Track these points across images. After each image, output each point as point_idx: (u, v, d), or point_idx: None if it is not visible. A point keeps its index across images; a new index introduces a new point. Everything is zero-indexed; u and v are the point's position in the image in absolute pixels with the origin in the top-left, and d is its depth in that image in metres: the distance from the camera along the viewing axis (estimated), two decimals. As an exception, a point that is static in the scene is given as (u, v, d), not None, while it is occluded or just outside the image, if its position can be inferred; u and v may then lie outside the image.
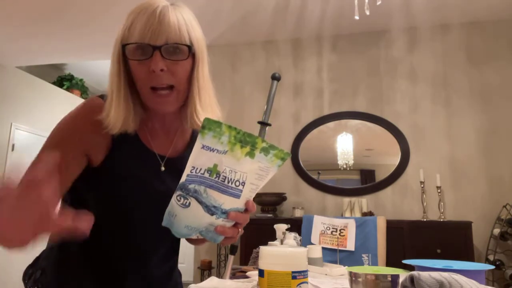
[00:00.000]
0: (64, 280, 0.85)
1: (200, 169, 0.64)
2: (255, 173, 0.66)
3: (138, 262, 0.88)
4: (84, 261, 0.84)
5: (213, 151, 0.63)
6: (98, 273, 0.85)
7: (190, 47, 0.78)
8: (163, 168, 0.87)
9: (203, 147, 0.64)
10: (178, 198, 0.65)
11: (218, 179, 0.64)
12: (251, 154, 0.65)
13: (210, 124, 0.63)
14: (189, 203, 0.65)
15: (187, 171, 0.64)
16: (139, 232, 0.86)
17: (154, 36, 0.75)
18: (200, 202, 0.64)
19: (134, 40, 0.76)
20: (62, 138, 0.80)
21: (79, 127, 0.80)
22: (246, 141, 0.64)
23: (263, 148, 0.66)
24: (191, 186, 0.64)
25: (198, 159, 0.64)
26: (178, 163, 0.87)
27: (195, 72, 0.81)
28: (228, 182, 0.64)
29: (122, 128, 0.79)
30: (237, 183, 0.65)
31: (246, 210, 0.69)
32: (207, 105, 0.85)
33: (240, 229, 0.71)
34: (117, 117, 0.78)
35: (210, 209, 0.65)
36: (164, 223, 0.68)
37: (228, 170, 0.64)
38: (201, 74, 0.83)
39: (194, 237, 0.70)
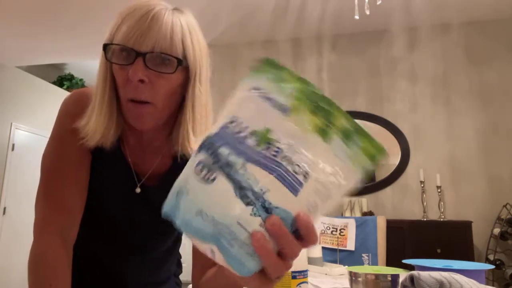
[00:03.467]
0: None
1: (244, 128, 0.40)
2: (327, 171, 0.40)
3: (116, 283, 0.85)
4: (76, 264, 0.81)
5: (268, 102, 0.41)
6: (90, 275, 0.84)
7: (180, 61, 0.67)
8: (138, 190, 0.77)
9: (252, 89, 0.42)
10: (199, 168, 0.40)
11: (269, 152, 0.39)
12: (326, 134, 0.40)
13: (269, 64, 0.44)
14: (215, 178, 0.39)
15: (224, 120, 0.42)
16: (118, 244, 0.84)
17: (139, 41, 0.65)
18: (232, 179, 0.39)
19: (117, 41, 0.66)
20: (69, 153, 0.75)
21: (71, 136, 0.73)
22: (318, 106, 0.41)
23: (345, 129, 0.40)
24: (224, 151, 0.40)
25: (242, 108, 0.42)
26: (151, 192, 0.79)
27: (190, 92, 0.71)
28: (282, 159, 0.39)
29: (100, 140, 0.71)
30: (297, 169, 0.39)
31: (299, 236, 0.38)
32: (203, 129, 0.74)
33: (290, 263, 0.40)
34: (96, 127, 0.70)
35: (245, 194, 0.38)
36: (165, 208, 0.42)
37: (285, 144, 0.39)
38: (197, 94, 0.72)
39: (204, 247, 0.40)
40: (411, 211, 3.61)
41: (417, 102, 3.81)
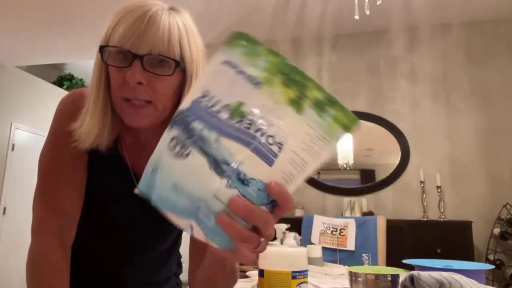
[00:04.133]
0: None
1: (216, 102, 0.41)
2: (301, 140, 0.40)
3: (116, 283, 0.85)
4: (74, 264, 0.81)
5: (240, 75, 0.41)
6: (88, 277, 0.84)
7: (178, 63, 0.66)
8: (136, 190, 0.80)
9: (225, 62, 0.42)
10: (173, 143, 0.41)
11: (242, 124, 0.40)
12: (298, 105, 0.41)
13: (242, 37, 0.43)
14: (189, 153, 0.40)
15: (194, 94, 0.42)
16: (118, 246, 0.84)
17: (136, 43, 0.64)
18: (206, 154, 0.39)
19: (114, 43, 0.65)
20: (66, 155, 0.74)
21: (67, 137, 0.72)
22: (291, 79, 0.41)
23: (317, 100, 0.41)
24: (197, 126, 0.40)
25: (214, 81, 0.42)
26: None
27: (186, 91, 0.70)
28: (256, 132, 0.39)
29: (94, 142, 0.70)
30: (271, 140, 0.39)
31: (275, 206, 0.40)
32: None
33: (263, 239, 0.41)
34: (90, 129, 0.69)
35: (220, 167, 0.39)
36: (139, 188, 0.42)
37: (258, 115, 0.40)
38: None
39: (182, 223, 0.41)
40: (411, 211, 3.61)
41: (417, 102, 3.81)
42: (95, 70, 0.71)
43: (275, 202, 0.40)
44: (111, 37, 0.66)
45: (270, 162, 0.39)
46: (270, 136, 0.39)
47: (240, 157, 0.38)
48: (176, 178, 0.40)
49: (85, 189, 0.77)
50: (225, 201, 0.38)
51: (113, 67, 0.67)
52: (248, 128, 0.39)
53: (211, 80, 0.42)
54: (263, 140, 0.39)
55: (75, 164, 0.75)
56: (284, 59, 0.42)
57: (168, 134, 0.41)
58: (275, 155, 0.39)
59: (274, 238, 1.86)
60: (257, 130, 0.39)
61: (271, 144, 0.39)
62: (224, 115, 0.40)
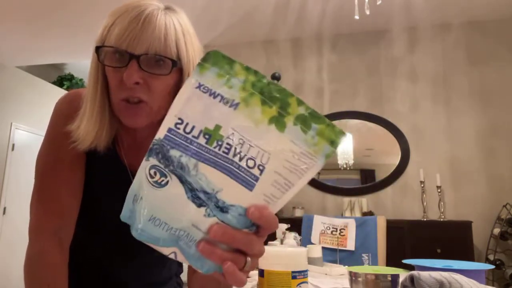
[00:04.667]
0: None
1: (193, 128, 0.39)
2: (284, 159, 0.39)
3: (116, 284, 0.85)
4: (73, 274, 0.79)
5: (216, 98, 0.40)
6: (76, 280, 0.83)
7: (175, 62, 0.66)
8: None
9: (199, 86, 0.40)
10: (153, 172, 0.39)
11: (220, 149, 0.39)
12: (279, 122, 0.40)
13: (215, 57, 0.40)
14: (167, 182, 0.39)
15: (169, 121, 0.40)
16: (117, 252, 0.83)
17: (133, 43, 0.64)
18: (184, 182, 0.39)
19: (110, 43, 0.65)
20: (62, 155, 0.74)
21: (65, 138, 0.72)
22: (272, 96, 0.40)
23: (300, 116, 0.40)
24: (175, 154, 0.39)
25: (189, 106, 0.40)
26: None
27: None
28: (235, 156, 0.39)
29: (93, 143, 0.70)
30: (251, 163, 0.39)
31: (258, 229, 0.40)
32: None
33: (248, 260, 0.41)
34: (88, 130, 0.69)
35: (198, 196, 0.38)
36: (122, 216, 0.42)
37: (237, 138, 0.39)
38: None
39: (165, 251, 0.41)
40: (411, 211, 3.61)
41: (417, 102, 3.81)
42: (92, 71, 0.71)
43: (257, 224, 0.40)
44: (107, 37, 0.66)
45: (250, 187, 0.38)
46: (250, 159, 0.39)
47: (219, 184, 0.38)
48: (153, 211, 0.39)
49: (83, 190, 0.77)
50: (204, 229, 0.38)
51: (110, 68, 0.67)
52: (227, 152, 0.39)
53: (186, 105, 0.40)
54: (242, 164, 0.38)
55: (72, 164, 0.75)
56: (262, 76, 0.40)
57: (147, 163, 0.40)
58: (256, 179, 0.39)
59: (274, 238, 1.86)
60: (236, 154, 0.39)
61: (251, 168, 0.38)
62: (202, 141, 0.39)
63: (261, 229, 0.40)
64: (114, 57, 0.66)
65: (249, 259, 0.41)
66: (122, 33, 0.64)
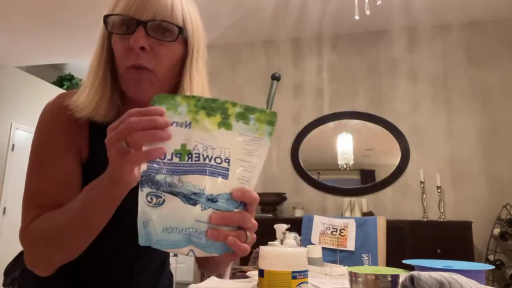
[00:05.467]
0: (42, 283, 0.74)
1: (165, 154, 0.50)
2: (241, 148, 0.51)
3: (116, 275, 0.81)
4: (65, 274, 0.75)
5: (173, 125, 0.50)
6: (75, 279, 0.78)
7: (181, 29, 0.67)
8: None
9: None
10: (149, 198, 0.49)
11: (191, 160, 0.50)
12: (225, 124, 0.51)
13: (160, 99, 0.51)
14: (164, 200, 0.49)
15: None
16: (122, 241, 0.76)
17: (140, 9, 0.65)
18: (176, 194, 0.49)
19: (117, 12, 0.66)
20: (52, 146, 0.71)
21: (63, 129, 0.71)
22: (212, 108, 0.51)
23: (239, 114, 0.52)
24: (161, 178, 0.49)
25: None
26: None
27: (188, 63, 0.71)
28: (205, 159, 0.50)
29: (91, 113, 0.68)
30: (218, 160, 0.50)
31: (245, 207, 0.52)
32: None
33: (248, 233, 0.52)
34: (88, 99, 0.68)
35: (191, 198, 0.49)
36: (140, 242, 0.50)
37: (200, 147, 0.50)
38: (194, 67, 0.72)
39: (184, 251, 0.50)
40: (411, 211, 3.61)
41: (417, 102, 3.81)
42: (98, 44, 0.71)
43: (244, 202, 0.51)
44: (114, 8, 0.67)
45: (225, 177, 0.50)
46: (216, 157, 0.50)
47: (202, 184, 0.49)
48: (163, 223, 0.49)
49: (85, 177, 0.73)
50: (206, 220, 0.49)
51: (117, 36, 0.67)
52: (198, 160, 0.50)
53: None
54: (213, 163, 0.50)
55: (70, 156, 0.72)
56: (199, 97, 0.51)
57: (142, 193, 0.49)
58: (227, 169, 0.50)
59: (274, 238, 1.86)
60: (205, 158, 0.50)
61: (220, 163, 0.50)
62: (177, 159, 0.50)
63: (248, 205, 0.52)
64: (122, 27, 0.67)
65: (248, 233, 0.52)
66: (129, 1, 0.66)
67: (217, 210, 0.50)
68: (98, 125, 0.70)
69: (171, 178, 0.49)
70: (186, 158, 0.50)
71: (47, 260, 0.65)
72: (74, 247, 0.64)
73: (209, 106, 0.51)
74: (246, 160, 0.51)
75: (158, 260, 0.88)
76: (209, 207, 0.49)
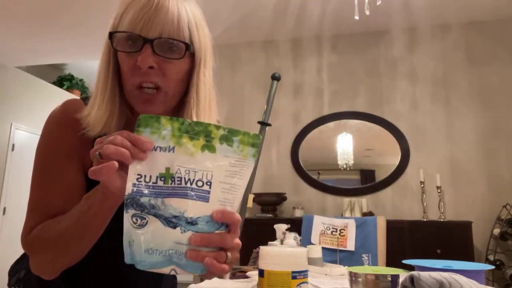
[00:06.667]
0: (47, 285, 0.74)
1: (150, 177, 0.52)
2: (224, 170, 0.53)
3: (123, 280, 0.82)
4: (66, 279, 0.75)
5: (156, 150, 0.52)
6: (79, 281, 0.79)
7: (188, 46, 0.67)
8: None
9: None
10: (134, 219, 0.51)
11: (174, 183, 0.52)
12: (209, 147, 0.53)
13: (145, 121, 0.52)
14: (147, 222, 0.51)
15: (131, 179, 0.51)
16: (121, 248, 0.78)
17: (146, 27, 0.64)
18: (158, 216, 0.51)
19: (123, 28, 0.65)
20: (56, 156, 0.71)
21: (66, 139, 0.71)
22: (195, 131, 0.53)
23: (222, 136, 0.53)
24: (145, 200, 0.51)
25: (141, 163, 0.53)
26: None
27: (195, 76, 0.72)
28: (186, 183, 0.52)
29: (103, 130, 0.69)
30: (200, 183, 0.52)
31: (227, 227, 0.52)
32: (206, 116, 0.73)
33: (228, 254, 0.53)
34: (98, 116, 0.69)
35: (171, 221, 0.51)
36: (126, 260, 0.51)
37: (183, 170, 0.52)
38: (201, 80, 0.72)
39: (166, 270, 0.52)
40: (411, 211, 3.61)
41: (417, 103, 3.81)
42: (103, 59, 0.71)
43: (225, 223, 0.52)
44: (120, 23, 0.67)
45: (206, 200, 0.52)
46: (198, 180, 0.52)
47: (183, 207, 0.51)
48: (145, 245, 0.51)
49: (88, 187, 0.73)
50: (186, 242, 0.51)
51: (123, 53, 0.67)
52: (180, 183, 0.52)
53: (138, 163, 0.52)
54: (194, 186, 0.52)
55: (70, 155, 0.72)
56: (183, 120, 0.53)
57: (128, 214, 0.51)
58: (208, 192, 0.52)
59: (274, 238, 1.86)
60: (187, 181, 0.52)
61: (201, 186, 0.52)
62: (161, 183, 0.52)
63: (230, 226, 0.52)
64: (127, 43, 0.66)
65: (229, 253, 0.52)
66: (135, 17, 0.64)
67: (197, 232, 0.51)
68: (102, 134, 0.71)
69: (155, 200, 0.51)
70: (170, 182, 0.52)
71: (50, 265, 0.66)
72: (76, 251, 0.64)
73: (193, 130, 0.53)
74: (228, 182, 0.53)
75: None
76: (188, 230, 0.51)
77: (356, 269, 0.83)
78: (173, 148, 0.52)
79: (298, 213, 3.60)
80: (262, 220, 3.47)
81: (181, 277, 1.02)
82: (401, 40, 3.96)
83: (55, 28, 4.01)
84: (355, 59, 4.03)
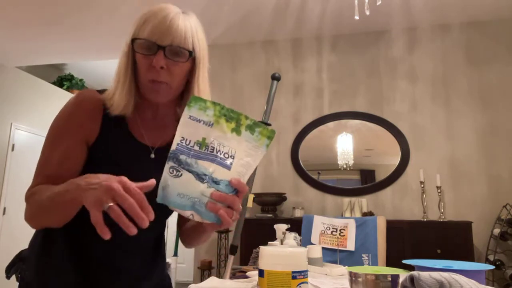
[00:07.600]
0: (44, 270, 0.90)
1: (190, 141, 0.68)
2: (244, 151, 0.70)
3: (121, 255, 0.92)
4: (66, 248, 0.89)
5: (200, 122, 0.69)
6: (79, 264, 0.88)
7: (191, 53, 0.88)
8: (153, 156, 0.94)
9: (190, 117, 0.69)
10: (171, 170, 0.67)
11: (207, 150, 0.68)
12: (237, 131, 0.70)
13: (195, 100, 0.70)
14: (181, 174, 0.67)
15: (177, 140, 0.68)
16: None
17: (161, 37, 0.84)
18: (191, 172, 0.67)
19: (143, 36, 0.86)
20: (63, 129, 0.89)
21: (76, 117, 0.89)
22: (230, 116, 0.70)
23: (248, 125, 0.71)
24: (183, 158, 0.68)
25: (186, 129, 0.69)
26: (167, 152, 0.90)
27: (196, 75, 0.92)
28: (217, 152, 0.69)
29: (123, 110, 0.89)
30: (226, 155, 0.69)
31: (237, 193, 0.71)
32: None
33: (234, 213, 0.71)
34: (120, 100, 0.89)
35: (201, 177, 0.67)
36: (158, 199, 0.68)
37: (216, 142, 0.69)
38: (201, 78, 0.94)
39: (187, 213, 0.69)
40: (411, 211, 3.61)
41: (417, 102, 3.81)
42: (122, 58, 0.91)
43: (236, 189, 0.70)
44: (140, 32, 0.87)
45: (228, 168, 0.69)
46: (225, 153, 0.70)
47: (211, 169, 0.68)
48: (178, 189, 0.68)
49: (93, 164, 0.89)
50: (208, 195, 0.68)
51: (141, 55, 0.87)
52: (212, 152, 0.69)
53: (184, 129, 0.69)
54: (222, 156, 0.69)
55: (78, 142, 0.88)
56: (223, 106, 0.71)
57: (167, 165, 0.68)
58: (231, 163, 0.70)
59: (274, 238, 1.86)
60: (217, 151, 0.69)
61: (227, 158, 0.70)
62: (196, 148, 0.69)
63: (238, 193, 0.71)
64: (145, 48, 0.86)
65: (234, 212, 0.71)
66: (153, 29, 0.85)
67: (218, 190, 0.68)
68: (109, 115, 0.90)
69: (190, 159, 0.68)
70: (204, 148, 0.69)
71: (34, 219, 0.83)
72: (50, 220, 0.81)
73: (229, 115, 0.70)
74: (245, 160, 0.70)
75: (150, 244, 1.00)
76: (212, 187, 0.68)
77: (356, 269, 0.83)
78: (212, 124, 0.69)
79: (298, 213, 3.60)
80: (262, 220, 3.47)
81: (181, 277, 1.03)
82: (401, 40, 3.96)
83: (55, 28, 4.01)
84: (355, 59, 4.03)
